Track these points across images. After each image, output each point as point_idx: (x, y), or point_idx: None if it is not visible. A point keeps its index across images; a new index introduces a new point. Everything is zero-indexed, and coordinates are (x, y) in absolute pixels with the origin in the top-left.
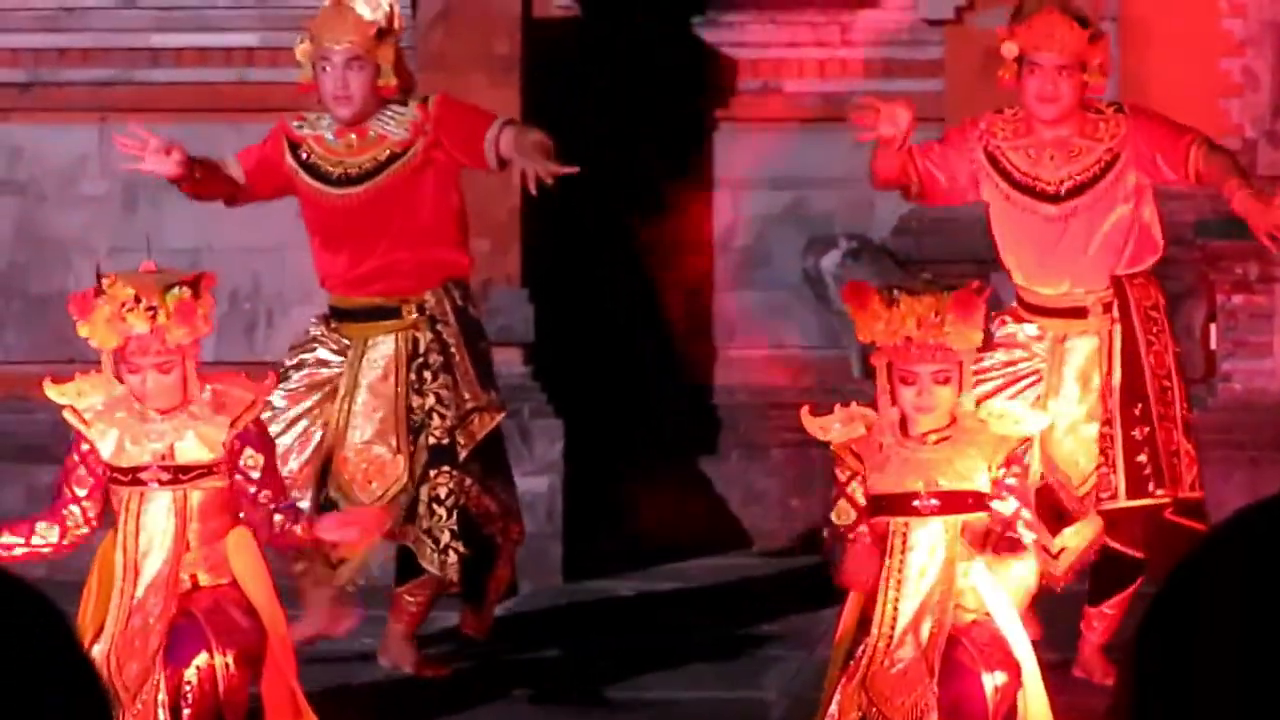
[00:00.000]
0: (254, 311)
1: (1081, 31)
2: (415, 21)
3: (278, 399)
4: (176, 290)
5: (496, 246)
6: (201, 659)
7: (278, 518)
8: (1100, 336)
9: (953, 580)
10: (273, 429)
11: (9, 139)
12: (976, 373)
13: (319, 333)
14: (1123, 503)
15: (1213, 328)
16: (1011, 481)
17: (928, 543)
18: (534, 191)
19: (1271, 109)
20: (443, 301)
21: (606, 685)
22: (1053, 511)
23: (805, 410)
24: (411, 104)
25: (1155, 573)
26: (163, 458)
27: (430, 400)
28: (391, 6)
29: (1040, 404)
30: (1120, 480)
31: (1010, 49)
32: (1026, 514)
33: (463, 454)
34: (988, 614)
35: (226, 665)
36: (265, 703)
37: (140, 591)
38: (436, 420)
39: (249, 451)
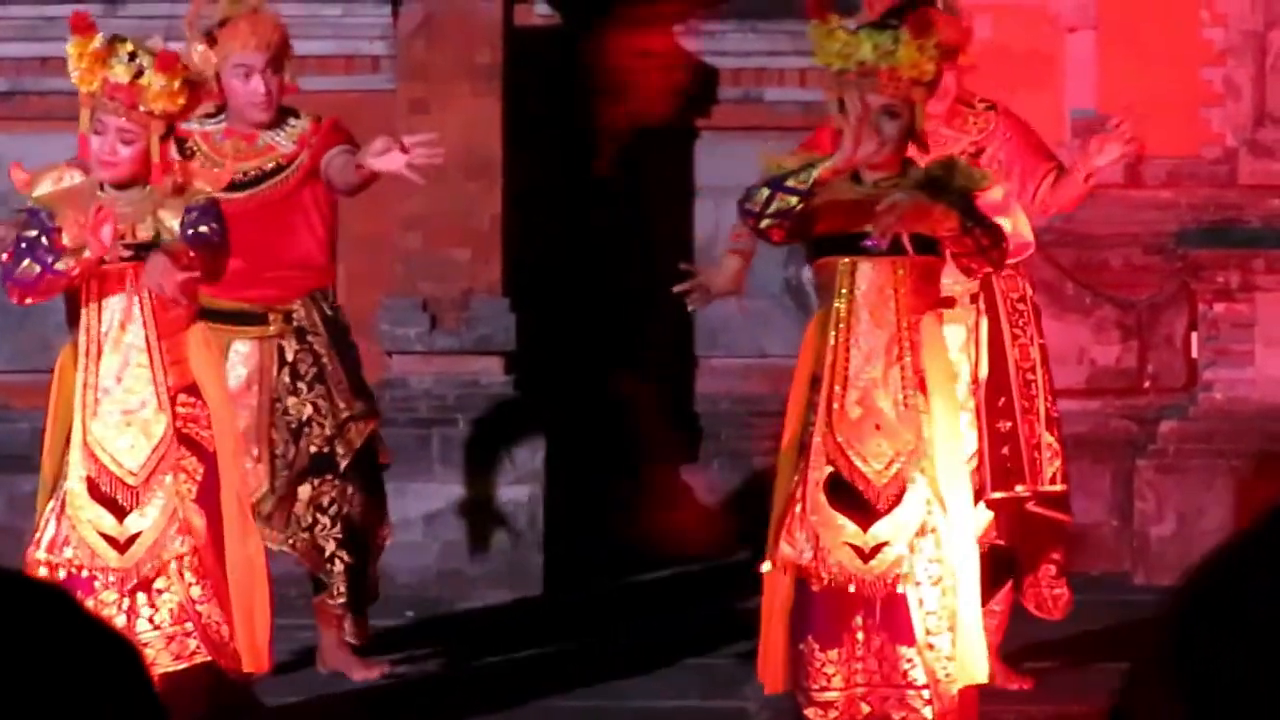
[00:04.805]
0: None
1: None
2: (396, 31)
3: None
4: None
5: (477, 256)
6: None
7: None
8: (967, 327)
9: (913, 329)
10: None
11: None
12: None
13: None
14: (989, 495)
15: (1194, 336)
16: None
17: (877, 284)
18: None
19: (1253, 118)
20: (311, 312)
21: (587, 693)
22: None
23: (764, 151)
24: (305, 117)
25: (1023, 563)
26: (122, 236)
27: (308, 410)
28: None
29: None
30: (986, 472)
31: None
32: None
33: (343, 464)
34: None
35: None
36: (225, 521)
37: (106, 370)
38: (316, 429)
39: (193, 214)
